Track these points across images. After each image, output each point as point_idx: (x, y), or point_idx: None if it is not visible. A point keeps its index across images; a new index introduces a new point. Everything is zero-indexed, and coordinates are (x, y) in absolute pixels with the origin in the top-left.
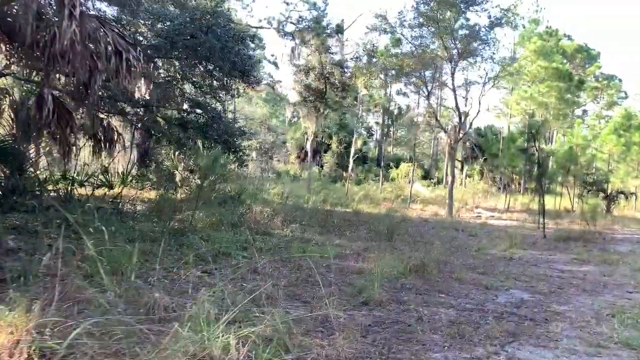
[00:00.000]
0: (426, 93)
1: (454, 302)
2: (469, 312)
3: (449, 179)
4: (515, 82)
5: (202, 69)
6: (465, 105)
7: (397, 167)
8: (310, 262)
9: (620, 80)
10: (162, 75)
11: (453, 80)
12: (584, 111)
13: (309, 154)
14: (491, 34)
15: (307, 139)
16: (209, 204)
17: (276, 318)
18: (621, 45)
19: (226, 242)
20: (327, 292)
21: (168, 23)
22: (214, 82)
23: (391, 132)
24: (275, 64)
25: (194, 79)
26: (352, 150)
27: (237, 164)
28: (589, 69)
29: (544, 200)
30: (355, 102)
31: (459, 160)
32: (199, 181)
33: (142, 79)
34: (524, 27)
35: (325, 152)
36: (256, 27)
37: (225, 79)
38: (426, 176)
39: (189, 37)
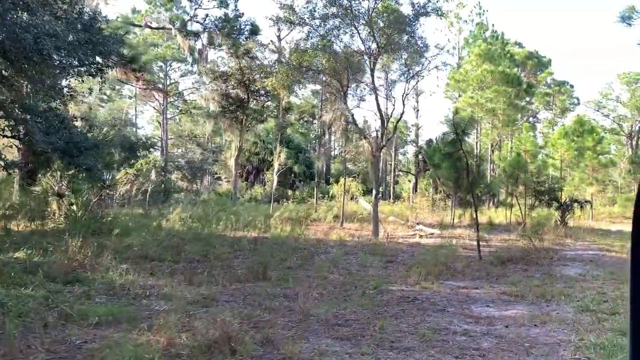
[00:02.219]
0: (342, 93)
1: None
2: None
3: (374, 192)
4: (459, 88)
5: None
6: (418, 118)
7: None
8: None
9: (572, 86)
10: None
11: (373, 77)
12: (534, 116)
13: (234, 171)
14: (417, 24)
15: (231, 155)
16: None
17: None
18: (573, 52)
19: None
20: None
21: None
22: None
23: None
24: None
25: None
26: (276, 165)
27: (91, 185)
28: (540, 76)
29: (477, 214)
30: (275, 112)
31: (411, 174)
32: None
33: None
34: (470, 32)
35: (268, 169)
36: (157, 29)
37: (24, 64)
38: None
39: None
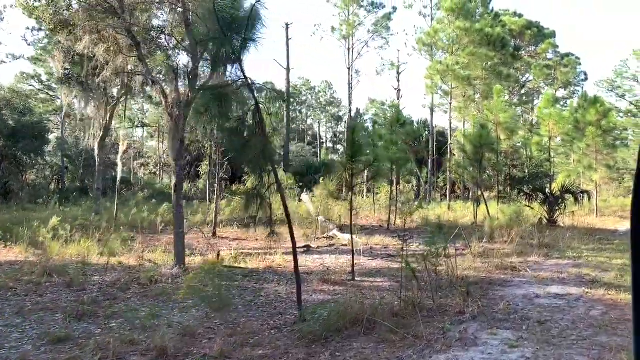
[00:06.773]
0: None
1: None
2: None
3: (172, 182)
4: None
5: None
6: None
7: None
8: None
9: (577, 58)
10: None
11: None
12: (522, 86)
13: (97, 159)
14: None
15: (94, 137)
16: None
17: None
18: (583, 26)
19: None
20: None
21: None
22: None
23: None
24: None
25: None
26: (121, 148)
27: None
28: (540, 47)
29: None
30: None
31: None
32: None
33: None
34: None
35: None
36: None
37: None
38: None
39: None
